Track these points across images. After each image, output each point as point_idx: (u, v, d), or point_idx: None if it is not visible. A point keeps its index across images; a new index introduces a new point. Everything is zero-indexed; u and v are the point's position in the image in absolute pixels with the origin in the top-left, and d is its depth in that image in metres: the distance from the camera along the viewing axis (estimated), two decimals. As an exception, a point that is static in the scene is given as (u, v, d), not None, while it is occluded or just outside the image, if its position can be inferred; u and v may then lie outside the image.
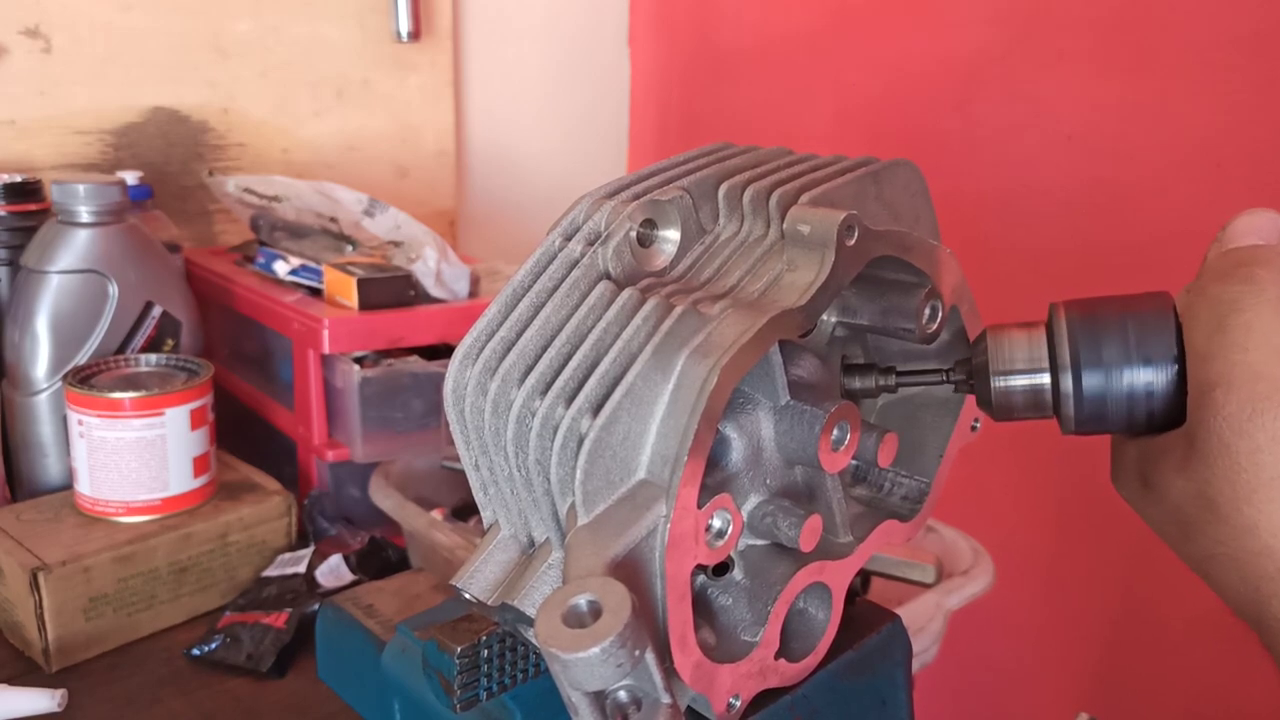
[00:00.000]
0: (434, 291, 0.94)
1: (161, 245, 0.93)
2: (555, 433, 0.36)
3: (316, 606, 0.74)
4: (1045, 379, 0.41)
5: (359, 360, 0.90)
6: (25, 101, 1.07)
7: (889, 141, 1.22)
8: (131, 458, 0.76)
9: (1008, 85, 1.09)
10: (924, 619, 0.79)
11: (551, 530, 0.39)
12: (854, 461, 0.45)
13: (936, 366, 0.46)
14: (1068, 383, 0.41)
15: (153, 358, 0.84)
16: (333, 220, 1.03)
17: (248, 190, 1.08)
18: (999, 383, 0.42)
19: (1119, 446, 0.44)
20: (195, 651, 0.72)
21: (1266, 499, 0.36)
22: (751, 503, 0.42)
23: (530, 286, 0.40)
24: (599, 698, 0.33)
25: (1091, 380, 0.40)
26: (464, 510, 0.88)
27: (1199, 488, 0.38)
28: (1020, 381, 0.42)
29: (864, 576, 0.82)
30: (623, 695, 0.34)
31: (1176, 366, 0.40)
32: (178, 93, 1.15)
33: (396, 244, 0.99)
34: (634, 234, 0.40)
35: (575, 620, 0.31)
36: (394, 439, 0.90)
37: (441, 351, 0.94)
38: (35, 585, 0.69)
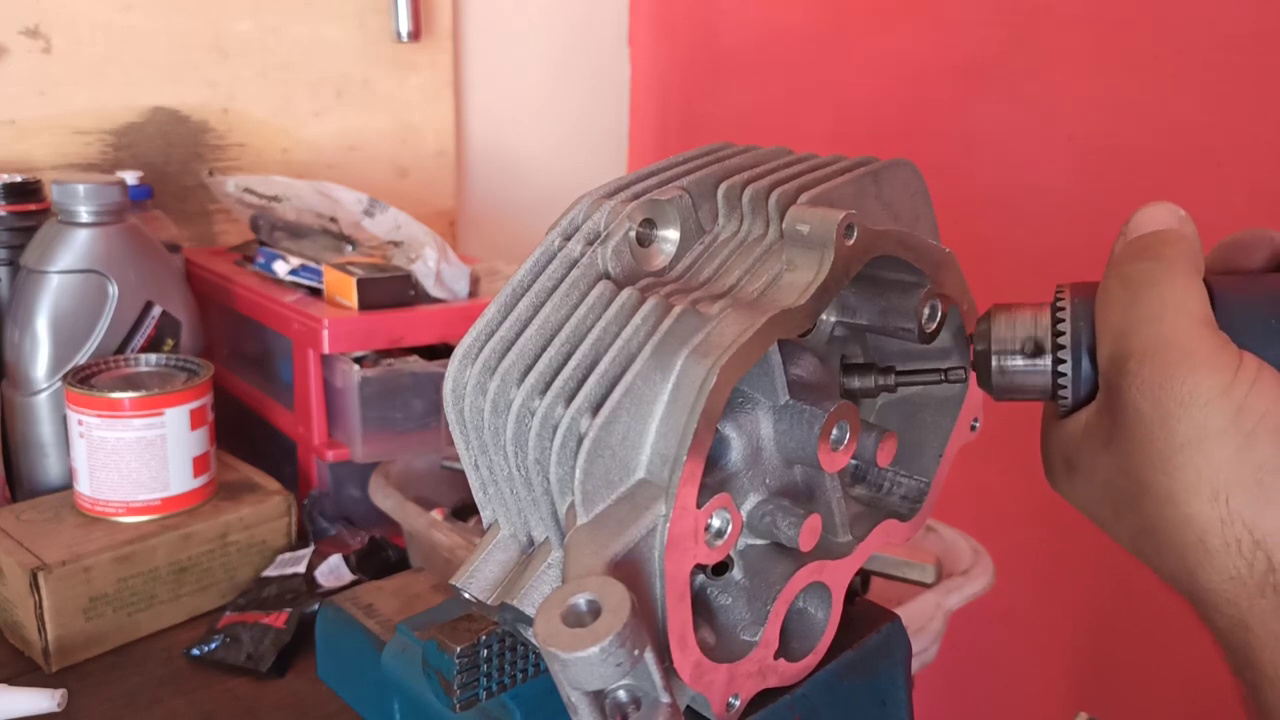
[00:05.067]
0: (434, 291, 0.94)
1: (161, 245, 0.93)
2: (554, 432, 0.36)
3: (316, 606, 0.74)
4: (1046, 360, 0.41)
5: (359, 360, 0.90)
6: (25, 101, 1.07)
7: (889, 141, 1.22)
8: (131, 458, 0.76)
9: (1008, 85, 1.09)
10: (924, 619, 0.79)
11: (551, 530, 0.39)
12: (853, 461, 0.45)
13: (936, 366, 0.45)
14: (1068, 364, 0.41)
15: (153, 358, 0.84)
16: (333, 220, 1.03)
17: (248, 190, 1.08)
18: (999, 362, 0.42)
19: (1045, 437, 0.43)
20: (195, 651, 0.72)
21: (1178, 466, 0.36)
22: (751, 502, 0.42)
23: (530, 286, 0.40)
24: (598, 697, 0.33)
25: (1091, 363, 0.40)
26: (464, 510, 0.88)
27: (1121, 462, 0.38)
28: (1021, 362, 0.42)
29: (864, 576, 0.82)
30: (622, 695, 0.34)
31: None
32: (178, 93, 1.15)
33: (396, 244, 0.99)
34: (633, 234, 0.40)
35: (575, 620, 0.31)
36: (394, 439, 0.90)
37: (441, 351, 0.94)
38: (35, 585, 0.69)
